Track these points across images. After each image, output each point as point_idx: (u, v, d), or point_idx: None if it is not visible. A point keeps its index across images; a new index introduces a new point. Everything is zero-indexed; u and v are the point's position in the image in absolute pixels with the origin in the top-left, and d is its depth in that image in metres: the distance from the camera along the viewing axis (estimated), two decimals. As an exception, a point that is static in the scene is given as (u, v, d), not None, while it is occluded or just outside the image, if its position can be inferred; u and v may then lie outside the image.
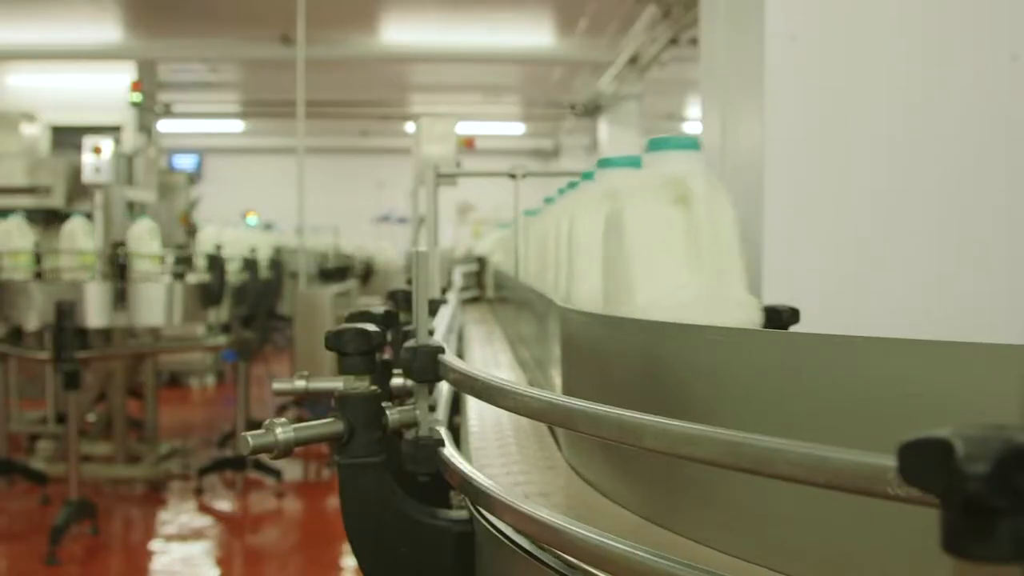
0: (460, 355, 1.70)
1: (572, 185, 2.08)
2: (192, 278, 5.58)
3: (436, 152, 5.74)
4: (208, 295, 5.30)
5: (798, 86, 2.25)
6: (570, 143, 14.99)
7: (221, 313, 5.51)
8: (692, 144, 1.18)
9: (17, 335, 5.51)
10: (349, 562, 4.53)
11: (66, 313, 4.42)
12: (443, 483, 1.05)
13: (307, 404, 6.35)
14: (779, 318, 1.33)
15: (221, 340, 5.80)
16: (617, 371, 1.01)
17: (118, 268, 4.98)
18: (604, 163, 1.50)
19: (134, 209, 6.99)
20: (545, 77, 11.38)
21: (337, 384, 1.07)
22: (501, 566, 0.91)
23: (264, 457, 1.09)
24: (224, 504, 5.56)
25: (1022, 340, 0.56)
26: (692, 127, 13.61)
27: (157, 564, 4.58)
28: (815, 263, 2.24)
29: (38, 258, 5.51)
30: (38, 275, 5.36)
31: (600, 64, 9.79)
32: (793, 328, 1.32)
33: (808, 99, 2.26)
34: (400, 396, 1.29)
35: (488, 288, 4.40)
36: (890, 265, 2.24)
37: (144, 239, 5.42)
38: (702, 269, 1.07)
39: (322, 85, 9.69)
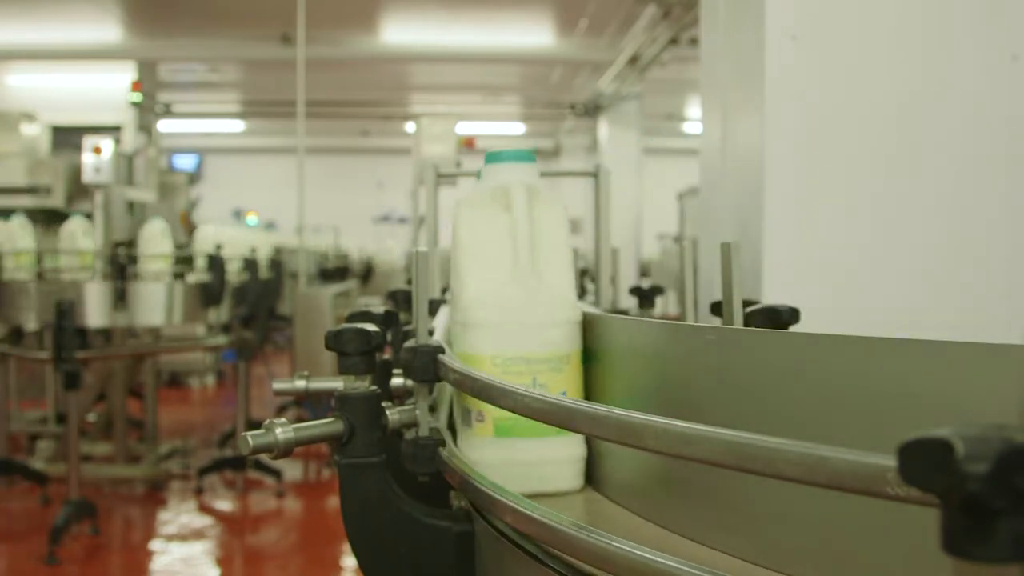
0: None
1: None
2: (192, 278, 5.59)
3: (436, 152, 5.75)
4: (208, 295, 5.30)
5: (798, 86, 2.25)
6: (570, 143, 14.98)
7: (221, 313, 5.51)
8: None
9: (17, 335, 5.51)
10: (349, 562, 4.53)
11: (66, 313, 4.42)
12: (443, 483, 1.05)
13: (307, 404, 6.35)
14: (779, 318, 1.32)
15: (221, 340, 5.79)
16: (615, 371, 1.01)
17: (118, 268, 4.97)
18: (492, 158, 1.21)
19: (134, 209, 7.00)
20: (545, 77, 11.37)
21: (337, 384, 1.07)
22: (501, 566, 0.91)
23: (264, 457, 1.09)
24: (224, 504, 5.56)
25: (1022, 340, 0.56)
26: (692, 127, 13.61)
27: (157, 564, 4.58)
28: (815, 263, 2.24)
29: (39, 258, 5.53)
30: (39, 275, 5.37)
31: (600, 64, 9.78)
32: (793, 328, 1.32)
33: (808, 99, 2.26)
34: (400, 396, 1.28)
35: None
36: (890, 265, 2.24)
37: (156, 239, 5.47)
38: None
39: (322, 85, 9.69)
